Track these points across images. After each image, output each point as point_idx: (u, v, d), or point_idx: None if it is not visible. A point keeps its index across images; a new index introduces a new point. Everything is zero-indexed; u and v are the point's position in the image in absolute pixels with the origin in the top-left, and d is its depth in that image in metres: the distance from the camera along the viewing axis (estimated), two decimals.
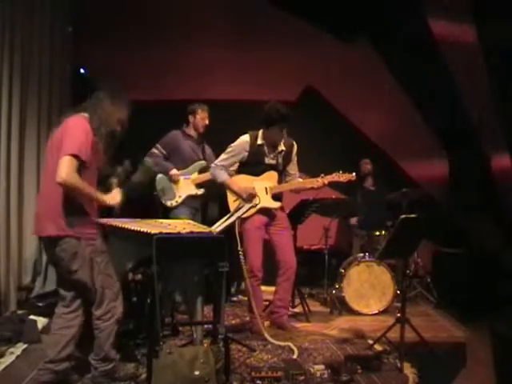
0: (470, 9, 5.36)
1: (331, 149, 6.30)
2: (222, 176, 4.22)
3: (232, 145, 4.25)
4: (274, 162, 4.28)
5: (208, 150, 4.99)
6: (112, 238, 3.16)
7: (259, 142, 4.23)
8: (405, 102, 6.66)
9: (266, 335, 3.93)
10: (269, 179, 4.28)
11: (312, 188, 4.26)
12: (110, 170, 3.21)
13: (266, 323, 4.33)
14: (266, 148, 4.24)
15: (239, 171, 4.31)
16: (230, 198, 4.30)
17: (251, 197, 4.12)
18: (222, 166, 4.23)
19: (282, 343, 3.89)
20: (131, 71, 6.06)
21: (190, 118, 4.85)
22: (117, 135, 3.01)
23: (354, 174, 4.30)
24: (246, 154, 4.21)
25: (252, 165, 4.24)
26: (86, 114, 2.92)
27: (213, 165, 4.30)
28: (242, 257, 4.00)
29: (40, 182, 3.20)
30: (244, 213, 3.35)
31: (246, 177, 4.26)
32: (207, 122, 4.87)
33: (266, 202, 4.22)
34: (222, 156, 4.26)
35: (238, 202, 4.15)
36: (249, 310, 4.26)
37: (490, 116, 5.76)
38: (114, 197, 2.96)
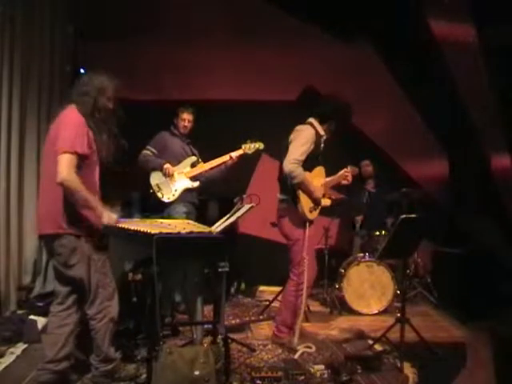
0: (470, 9, 5.36)
1: (331, 148, 6.28)
2: (303, 175, 3.81)
3: (301, 136, 3.87)
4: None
5: (194, 150, 5.02)
6: (112, 238, 3.16)
7: (322, 133, 3.97)
8: (405, 102, 6.66)
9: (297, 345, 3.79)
10: (320, 175, 4.05)
11: (347, 182, 4.18)
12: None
13: (266, 323, 4.31)
14: (322, 141, 3.99)
15: None
16: (304, 199, 3.88)
17: (321, 197, 3.96)
18: (302, 161, 3.81)
19: (307, 350, 3.79)
20: (131, 71, 6.04)
21: (175, 120, 4.93)
22: (114, 114, 2.97)
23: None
24: (313, 146, 3.88)
25: (311, 158, 3.89)
26: (75, 105, 2.89)
27: (293, 161, 3.79)
28: (306, 263, 3.83)
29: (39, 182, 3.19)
30: (244, 213, 3.33)
31: (309, 174, 3.91)
32: (187, 123, 4.88)
33: (324, 200, 4.03)
34: (300, 149, 3.81)
35: (310, 203, 3.89)
36: (287, 324, 3.94)
37: (490, 116, 5.76)
38: (110, 217, 2.87)
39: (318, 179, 4.00)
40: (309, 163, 3.89)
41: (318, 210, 3.98)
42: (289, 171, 3.78)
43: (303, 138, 3.86)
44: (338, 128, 4.04)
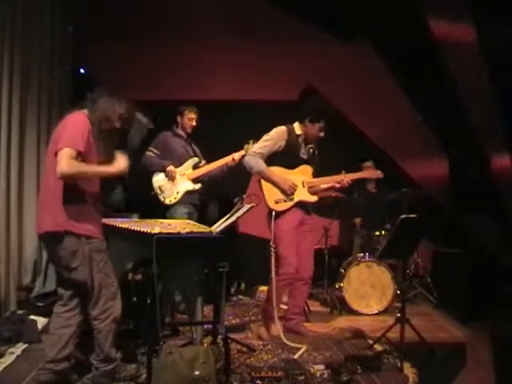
0: (470, 9, 5.36)
1: (331, 149, 6.28)
2: (261, 165, 3.99)
3: (269, 133, 4.07)
4: (306, 156, 4.16)
5: (196, 149, 5.02)
6: (112, 238, 3.16)
7: (298, 132, 4.10)
8: (405, 102, 6.66)
9: (285, 339, 3.82)
10: (303, 173, 4.14)
11: (338, 185, 4.19)
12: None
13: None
14: (301, 140, 4.12)
15: (273, 163, 4.08)
16: (267, 189, 4.03)
17: (292, 188, 4.02)
18: (260, 154, 4.01)
19: (298, 345, 3.82)
20: (131, 71, 6.05)
21: (178, 119, 4.93)
22: (118, 132, 3.00)
23: (379, 171, 4.39)
24: (284, 142, 4.03)
25: (287, 156, 4.06)
26: (85, 111, 2.92)
27: (250, 152, 4.09)
28: (272, 253, 3.89)
29: (40, 180, 3.20)
30: (244, 213, 3.33)
31: (281, 169, 4.08)
32: (194, 123, 4.89)
33: (304, 195, 4.10)
34: (260, 144, 4.05)
35: (277, 195, 3.99)
36: (265, 315, 4.11)
37: (490, 116, 5.76)
38: (119, 164, 2.90)
39: (298, 176, 4.09)
40: (287, 160, 4.06)
41: (289, 203, 4.02)
42: (244, 162, 4.07)
43: (267, 135, 4.06)
44: (326, 126, 4.10)
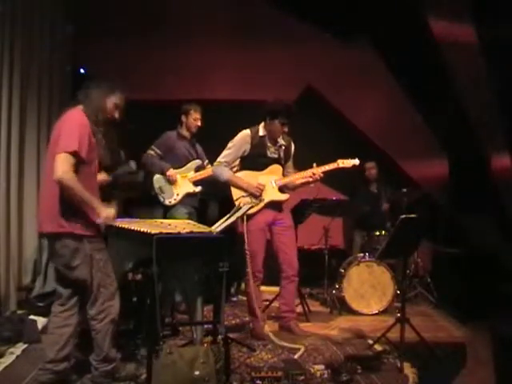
0: (470, 9, 5.36)
1: (331, 149, 6.29)
2: (226, 173, 4.11)
3: (232, 140, 4.14)
4: (276, 155, 4.19)
5: (199, 148, 5.01)
6: (112, 237, 3.16)
7: (261, 133, 4.15)
8: (405, 101, 6.66)
9: (272, 337, 3.86)
10: (273, 173, 4.18)
11: (311, 179, 4.16)
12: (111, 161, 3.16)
13: (267, 325, 4.31)
14: (267, 140, 4.16)
15: (242, 167, 4.18)
16: (236, 194, 4.13)
17: (259, 189, 4.05)
18: (225, 163, 4.12)
19: (289, 345, 3.84)
20: (131, 71, 6.05)
21: (183, 118, 4.88)
22: (116, 123, 2.99)
23: (356, 158, 4.28)
24: (249, 146, 4.10)
25: (255, 158, 4.13)
26: (81, 106, 2.90)
27: (215, 163, 4.18)
28: (248, 256, 3.92)
29: (40, 181, 3.21)
30: (244, 213, 3.34)
31: (250, 172, 4.14)
32: (199, 123, 4.87)
33: (274, 195, 4.13)
34: (224, 152, 4.14)
35: (244, 199, 4.05)
36: (249, 312, 4.21)
37: (490, 116, 5.76)
38: (108, 214, 2.85)
39: (267, 176, 4.13)
40: (256, 163, 4.12)
41: (260, 204, 4.07)
42: (212, 173, 4.22)
43: (230, 143, 4.14)
44: (284, 125, 4.10)
